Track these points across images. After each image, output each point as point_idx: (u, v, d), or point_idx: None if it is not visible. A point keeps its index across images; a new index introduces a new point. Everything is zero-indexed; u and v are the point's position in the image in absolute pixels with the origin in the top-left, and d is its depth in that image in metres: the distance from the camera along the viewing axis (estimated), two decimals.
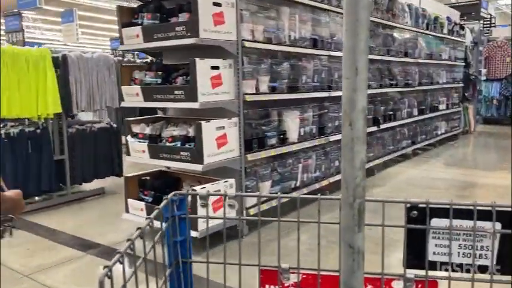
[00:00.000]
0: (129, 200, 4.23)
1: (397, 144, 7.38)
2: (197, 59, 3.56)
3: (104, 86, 5.59)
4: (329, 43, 5.15)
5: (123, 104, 4.19)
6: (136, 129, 4.21)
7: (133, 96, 4.04)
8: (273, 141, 4.38)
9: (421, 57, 7.92)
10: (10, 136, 4.85)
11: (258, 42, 4.13)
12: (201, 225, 3.56)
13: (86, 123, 5.71)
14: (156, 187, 4.17)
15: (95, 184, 5.83)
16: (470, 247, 1.13)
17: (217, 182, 3.83)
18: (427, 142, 8.59)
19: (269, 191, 4.30)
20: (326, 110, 5.24)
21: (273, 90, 4.33)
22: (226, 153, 3.88)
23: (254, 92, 4.09)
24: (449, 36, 9.32)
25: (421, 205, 1.12)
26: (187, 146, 3.83)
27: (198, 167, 3.69)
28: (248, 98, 3.98)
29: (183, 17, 3.70)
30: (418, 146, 8.21)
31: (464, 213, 1.11)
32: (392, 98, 7.20)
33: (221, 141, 3.82)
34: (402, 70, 7.32)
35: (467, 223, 1.12)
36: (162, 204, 1.15)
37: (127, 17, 4.08)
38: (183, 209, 1.22)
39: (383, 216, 1.12)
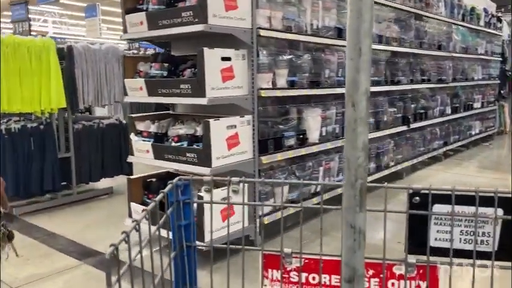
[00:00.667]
0: (132, 204, 3.88)
1: (428, 145, 6.82)
2: (205, 49, 3.15)
3: (112, 79, 5.24)
4: None
5: (126, 99, 3.82)
6: (140, 126, 3.84)
7: (137, 91, 3.67)
8: (291, 141, 3.95)
9: (455, 51, 7.32)
10: (11, 132, 4.57)
11: (276, 30, 3.69)
12: (208, 235, 3.18)
13: (93, 119, 5.39)
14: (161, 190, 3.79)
15: (103, 183, 5.52)
16: (471, 233, 1.14)
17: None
18: (459, 143, 7.97)
19: (287, 197, 3.88)
20: None
21: (291, 85, 3.90)
22: (237, 155, 3.46)
23: (270, 86, 3.68)
24: (486, 29, 8.65)
25: (423, 191, 1.12)
26: (194, 146, 3.44)
27: (205, 170, 3.29)
28: (263, 94, 3.56)
29: (191, 1, 3.29)
30: (450, 147, 7.62)
31: (466, 199, 1.11)
32: (424, 95, 6.64)
33: (232, 142, 3.41)
34: (435, 65, 6.74)
35: (469, 209, 1.11)
36: (167, 189, 1.19)
37: (131, 3, 3.70)
38: (187, 194, 1.25)
39: (385, 201, 1.12)
